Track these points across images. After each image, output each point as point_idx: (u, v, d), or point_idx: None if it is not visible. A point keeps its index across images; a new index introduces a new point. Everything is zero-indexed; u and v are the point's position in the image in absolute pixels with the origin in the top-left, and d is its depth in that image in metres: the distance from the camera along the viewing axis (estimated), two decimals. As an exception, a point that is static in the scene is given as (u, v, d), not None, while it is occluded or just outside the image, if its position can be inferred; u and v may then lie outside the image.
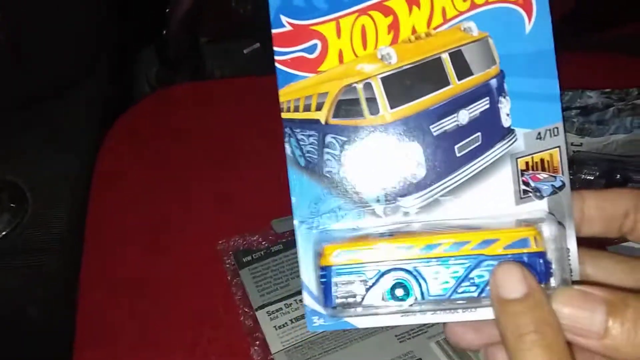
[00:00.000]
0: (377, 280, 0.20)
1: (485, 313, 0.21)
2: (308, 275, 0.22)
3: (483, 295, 0.20)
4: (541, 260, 0.20)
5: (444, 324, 0.22)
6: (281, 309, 0.38)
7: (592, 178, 0.44)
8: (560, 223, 0.21)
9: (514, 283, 0.19)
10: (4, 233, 0.54)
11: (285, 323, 0.37)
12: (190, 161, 0.52)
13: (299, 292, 0.40)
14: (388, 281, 0.20)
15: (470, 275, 0.20)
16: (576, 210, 0.21)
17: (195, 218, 0.47)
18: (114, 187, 0.51)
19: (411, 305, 0.20)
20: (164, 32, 0.66)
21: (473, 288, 0.20)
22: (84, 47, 0.60)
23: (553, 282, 0.20)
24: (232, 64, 0.76)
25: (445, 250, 0.20)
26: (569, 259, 0.21)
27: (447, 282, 0.20)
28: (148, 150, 0.54)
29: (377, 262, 0.20)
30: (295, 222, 0.23)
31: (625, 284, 0.21)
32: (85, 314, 0.42)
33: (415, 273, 0.20)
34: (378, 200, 0.22)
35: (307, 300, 0.22)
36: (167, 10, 0.64)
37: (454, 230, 0.21)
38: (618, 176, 0.44)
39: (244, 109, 0.57)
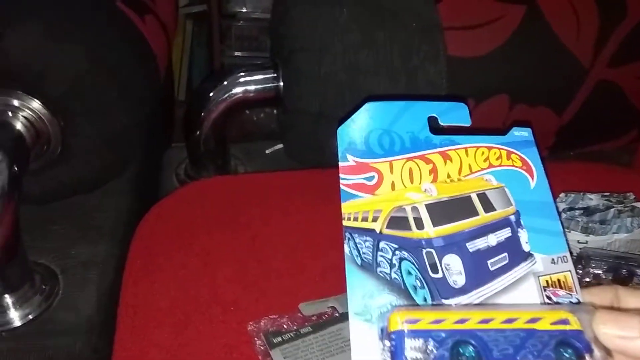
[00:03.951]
0: (444, 343, 0.24)
1: None
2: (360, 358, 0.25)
3: None
4: (582, 336, 0.25)
5: None
6: (314, 387, 0.40)
7: (600, 272, 0.48)
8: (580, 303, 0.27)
9: None
10: (35, 315, 0.56)
11: (320, 401, 0.39)
12: (220, 248, 0.56)
13: (331, 373, 0.42)
14: (454, 344, 0.24)
15: (526, 344, 0.24)
16: None
17: (225, 301, 0.50)
18: (147, 272, 0.54)
19: None
20: (197, 132, 0.73)
21: (530, 356, 0.24)
22: (123, 144, 0.65)
23: (596, 352, 0.25)
24: (254, 163, 0.81)
25: (501, 323, 0.25)
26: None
27: (506, 349, 0.24)
28: (179, 237, 0.57)
29: (442, 329, 0.24)
30: (350, 312, 0.26)
31: None
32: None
33: (479, 340, 0.24)
34: (425, 300, 0.27)
35: None
36: (202, 114, 0.71)
37: (501, 309, 0.26)
38: (624, 271, 0.47)
39: (269, 200, 0.61)
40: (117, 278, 0.56)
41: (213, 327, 0.47)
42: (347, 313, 0.26)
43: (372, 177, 0.30)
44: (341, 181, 0.30)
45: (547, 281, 0.28)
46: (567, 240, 0.29)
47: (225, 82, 0.68)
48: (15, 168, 0.53)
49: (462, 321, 0.24)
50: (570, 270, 0.28)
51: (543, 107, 0.64)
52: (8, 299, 0.55)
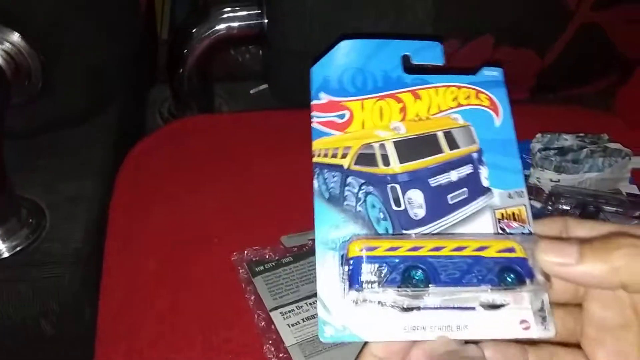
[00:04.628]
0: (396, 268, 0.26)
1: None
2: (324, 288, 0.27)
3: (482, 285, 0.26)
4: (525, 263, 0.26)
5: None
6: (293, 310, 0.42)
7: (569, 208, 0.50)
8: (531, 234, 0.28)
9: None
10: (22, 246, 0.57)
11: (298, 322, 0.41)
12: (204, 183, 0.57)
13: (309, 297, 0.44)
14: (406, 269, 0.26)
15: (472, 270, 0.26)
16: None
17: (210, 234, 0.51)
18: (133, 205, 0.55)
19: (425, 291, 0.25)
20: (180, 70, 0.72)
21: (475, 280, 0.26)
22: (105, 80, 0.65)
23: (538, 277, 0.26)
24: (238, 103, 0.81)
25: (451, 250, 0.26)
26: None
27: (453, 274, 0.26)
28: (164, 173, 0.58)
29: (396, 255, 0.26)
30: (317, 242, 0.28)
31: None
32: (107, 315, 0.45)
33: (429, 265, 0.26)
34: (386, 231, 0.28)
35: (321, 312, 0.26)
36: (185, 51, 0.70)
37: (453, 238, 0.27)
38: (591, 207, 0.49)
39: (253, 139, 0.62)
40: (103, 212, 0.57)
41: (198, 257, 0.49)
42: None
43: (343, 115, 0.31)
44: (313, 119, 0.30)
45: (502, 214, 0.29)
46: (524, 176, 0.30)
47: (208, 19, 0.67)
48: (-3, 102, 0.53)
49: (415, 249, 0.26)
50: (525, 205, 0.29)
51: (526, 48, 0.64)
52: (-5, 231, 0.56)
